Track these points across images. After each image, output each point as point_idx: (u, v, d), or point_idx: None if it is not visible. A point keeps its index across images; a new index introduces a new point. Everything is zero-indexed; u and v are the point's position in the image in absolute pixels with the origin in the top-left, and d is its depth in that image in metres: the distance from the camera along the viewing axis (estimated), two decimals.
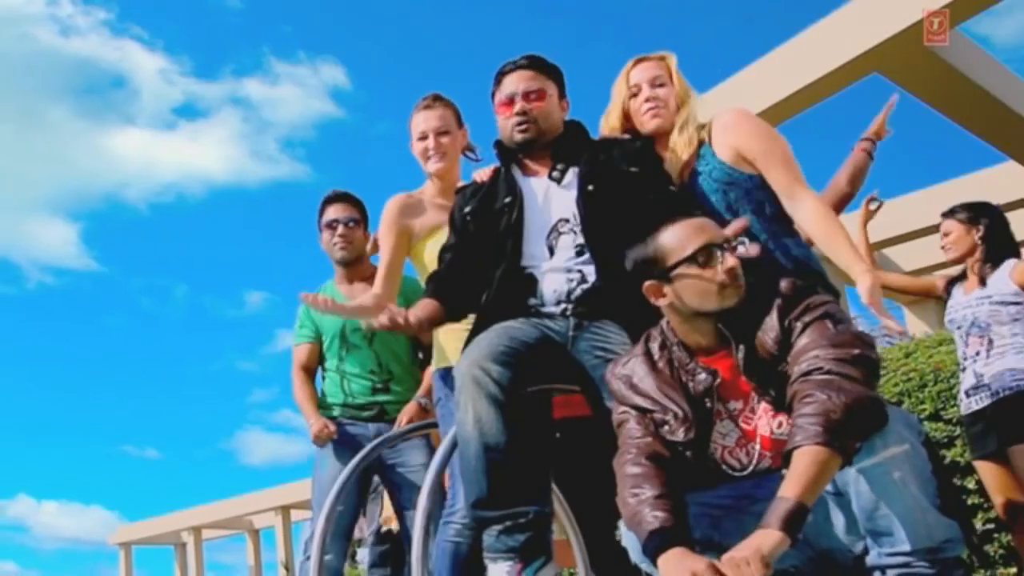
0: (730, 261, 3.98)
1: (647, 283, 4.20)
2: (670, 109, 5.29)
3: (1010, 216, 7.68)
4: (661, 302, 4.21)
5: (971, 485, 7.37)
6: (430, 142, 6.20)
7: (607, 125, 5.50)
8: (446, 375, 5.84)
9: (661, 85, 5.31)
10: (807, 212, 4.93)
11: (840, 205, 6.62)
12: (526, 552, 4.61)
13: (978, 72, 11.68)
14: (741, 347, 3.99)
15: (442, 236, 5.86)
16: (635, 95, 5.35)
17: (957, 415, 7.51)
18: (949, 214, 7.64)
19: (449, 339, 5.95)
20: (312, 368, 7.24)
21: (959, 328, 7.39)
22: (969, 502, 7.52)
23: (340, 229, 7.17)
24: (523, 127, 5.14)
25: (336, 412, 7.08)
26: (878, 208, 7.64)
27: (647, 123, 5.30)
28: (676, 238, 4.07)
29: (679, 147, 5.21)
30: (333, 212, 7.26)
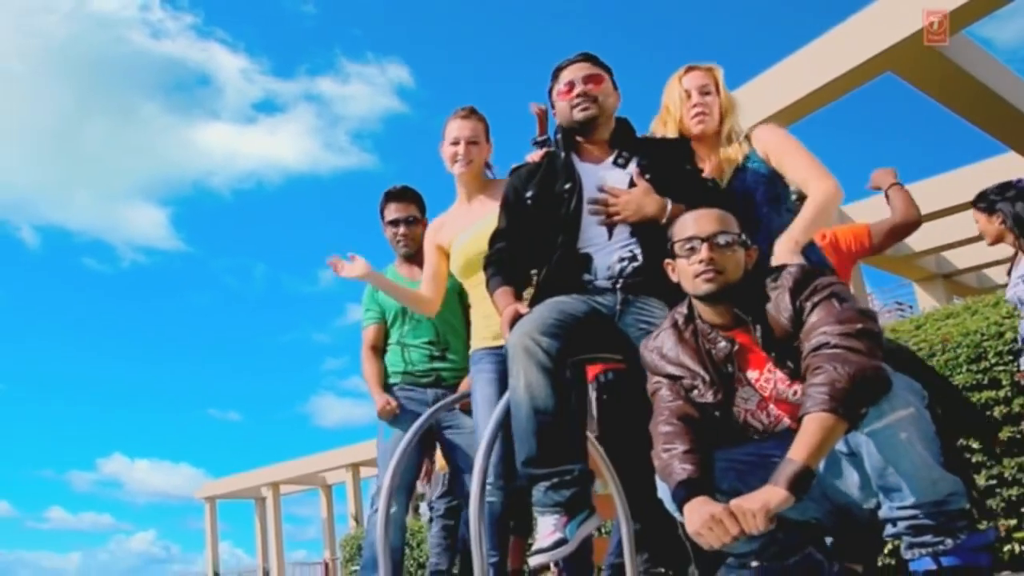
0: (703, 253, 4.05)
1: (666, 260, 4.34)
2: (714, 117, 5.39)
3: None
4: (673, 278, 4.35)
5: (975, 445, 7.35)
6: (460, 148, 6.26)
7: (661, 123, 5.56)
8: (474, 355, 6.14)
9: (707, 93, 5.40)
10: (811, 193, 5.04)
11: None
12: (571, 506, 4.67)
13: (982, 71, 11.69)
14: (757, 326, 4.03)
15: (462, 236, 6.16)
16: (687, 98, 5.41)
17: (963, 381, 7.49)
18: (973, 204, 7.61)
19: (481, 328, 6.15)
20: (379, 347, 7.29)
21: (1016, 307, 7.39)
22: (973, 460, 7.49)
23: (401, 228, 7.30)
24: (584, 106, 5.13)
25: (397, 379, 7.16)
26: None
27: (693, 127, 5.39)
28: (678, 226, 4.23)
29: (732, 153, 5.31)
30: (394, 211, 7.36)
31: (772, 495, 3.44)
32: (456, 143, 6.28)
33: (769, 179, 5.25)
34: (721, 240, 4.06)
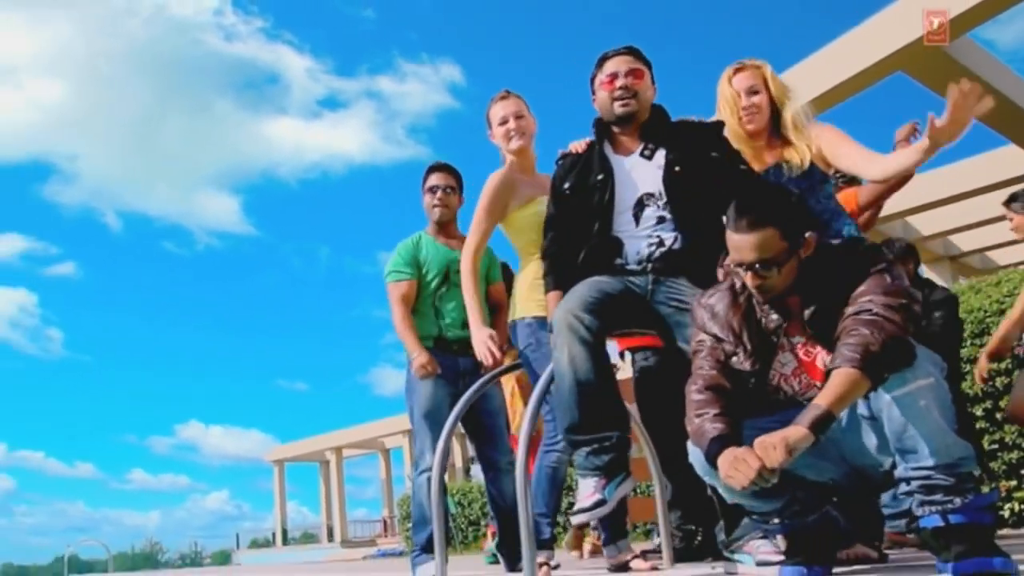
0: (749, 280, 3.98)
1: (722, 259, 4.29)
2: (764, 114, 5.36)
3: (1011, 190, 7.62)
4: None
5: (979, 412, 7.36)
6: (511, 124, 6.27)
7: (729, 125, 5.43)
8: (533, 324, 5.99)
9: (756, 92, 5.36)
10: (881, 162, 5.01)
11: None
12: (610, 470, 4.71)
13: (985, 71, 11.71)
14: (809, 303, 4.02)
15: (533, 207, 6.03)
16: (737, 98, 5.39)
17: (968, 354, 7.48)
18: (1008, 203, 7.58)
19: (532, 294, 6.01)
20: (412, 303, 7.15)
21: None
22: (977, 426, 7.48)
23: (439, 194, 7.23)
24: (624, 101, 5.10)
25: (429, 344, 7.04)
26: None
27: (745, 126, 5.36)
28: (730, 242, 4.04)
29: (801, 152, 5.25)
30: (435, 179, 7.32)
31: (793, 431, 3.50)
32: (506, 122, 6.30)
33: (807, 171, 5.22)
34: (760, 268, 3.97)
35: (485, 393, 6.70)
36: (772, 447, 3.48)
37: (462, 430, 7.13)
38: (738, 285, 4.24)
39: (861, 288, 3.81)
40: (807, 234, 4.00)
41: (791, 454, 3.46)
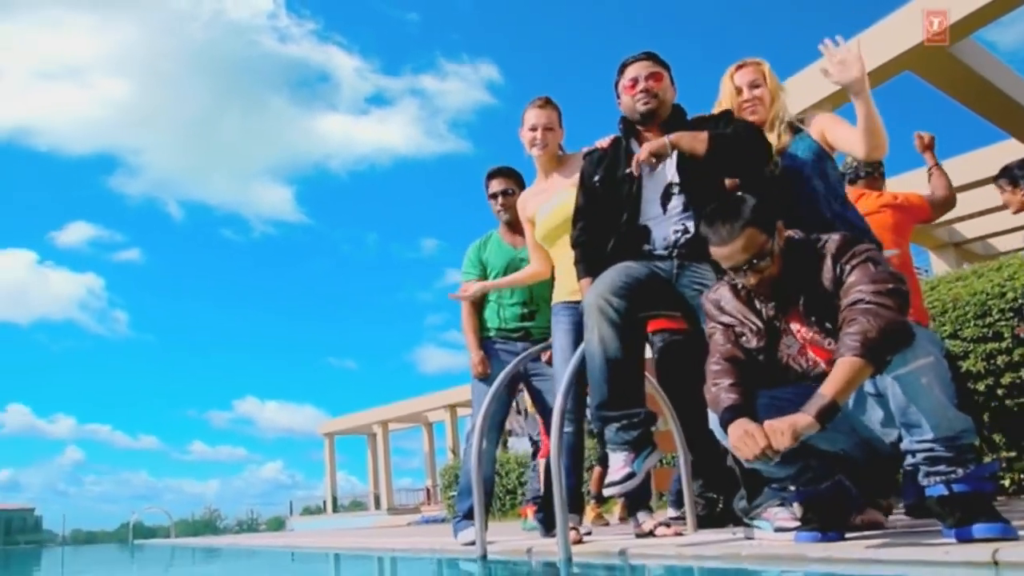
0: (750, 279, 4.11)
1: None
2: (765, 105, 5.37)
3: None
4: None
5: (981, 388, 7.35)
6: (538, 134, 6.39)
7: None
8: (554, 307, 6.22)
9: (757, 87, 5.39)
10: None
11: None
12: (638, 444, 4.77)
13: (987, 70, 11.70)
14: (801, 294, 4.08)
15: (544, 208, 6.23)
16: (738, 94, 5.41)
17: (971, 334, 7.48)
18: (996, 179, 7.65)
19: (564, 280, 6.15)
20: (478, 302, 7.30)
21: None
22: (979, 400, 7.48)
23: (500, 199, 7.31)
24: (646, 101, 5.15)
25: (492, 333, 7.19)
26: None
27: (748, 118, 5.33)
28: (715, 254, 4.20)
29: (773, 140, 5.21)
30: (495, 185, 7.39)
31: (800, 419, 3.56)
32: (534, 129, 6.40)
33: (817, 157, 5.21)
34: (755, 263, 4.05)
35: (541, 372, 6.92)
36: (780, 432, 3.56)
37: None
38: (738, 283, 4.31)
39: (850, 280, 3.87)
40: (778, 223, 4.15)
41: (796, 440, 3.52)
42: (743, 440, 3.67)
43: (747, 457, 3.66)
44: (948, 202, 7.49)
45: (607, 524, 10.18)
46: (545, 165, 6.50)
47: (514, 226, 7.31)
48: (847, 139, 5.12)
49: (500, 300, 7.25)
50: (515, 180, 7.42)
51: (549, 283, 6.95)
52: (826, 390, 3.58)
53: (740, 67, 5.48)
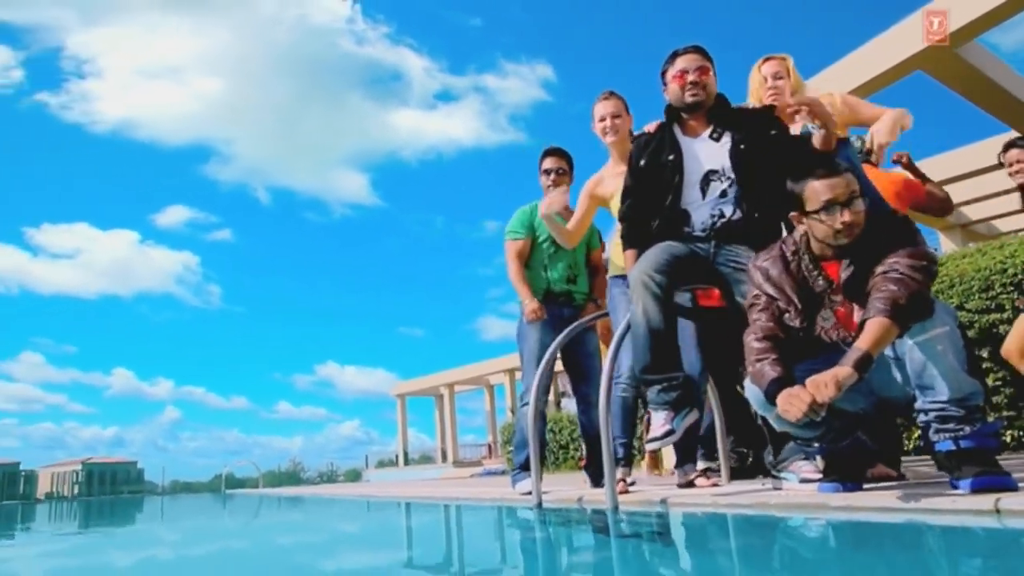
0: (846, 216, 3.98)
1: (792, 213, 4.25)
2: (785, 95, 5.42)
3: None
4: (799, 228, 4.26)
5: (984, 355, 7.34)
6: (608, 123, 6.46)
7: (750, 100, 5.62)
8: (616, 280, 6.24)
9: (780, 78, 5.49)
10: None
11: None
12: (677, 404, 4.77)
13: (991, 69, 11.67)
14: (850, 264, 4.05)
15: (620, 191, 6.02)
16: (764, 83, 5.54)
17: (975, 306, 7.48)
18: (1005, 151, 7.56)
19: (615, 259, 6.28)
20: (525, 259, 7.31)
21: None
22: (984, 366, 7.47)
23: (552, 176, 7.30)
24: (694, 92, 5.10)
25: (539, 296, 7.17)
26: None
27: (769, 103, 5.41)
28: (814, 190, 4.09)
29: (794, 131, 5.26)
30: (548, 163, 7.39)
31: (841, 371, 3.54)
32: (603, 119, 6.50)
33: (841, 144, 5.23)
34: (855, 204, 4.00)
35: (582, 338, 6.99)
36: (824, 384, 3.52)
37: (560, 369, 7.27)
38: (788, 252, 4.27)
39: (891, 257, 3.84)
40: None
41: (839, 389, 3.49)
42: (789, 401, 3.64)
43: (795, 417, 3.60)
44: (946, 205, 7.59)
45: (659, 474, 10.15)
46: (618, 149, 6.51)
47: None
48: (872, 112, 5.34)
49: (547, 263, 7.28)
50: (566, 160, 7.45)
51: (585, 258, 7.31)
52: (860, 344, 3.60)
53: (767, 60, 5.57)
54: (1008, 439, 7.60)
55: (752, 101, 5.48)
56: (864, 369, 3.56)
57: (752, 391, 4.12)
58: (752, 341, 4.14)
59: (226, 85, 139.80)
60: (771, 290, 4.24)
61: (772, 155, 4.94)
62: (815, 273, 4.15)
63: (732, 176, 5.01)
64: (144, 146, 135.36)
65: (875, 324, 3.61)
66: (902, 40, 11.20)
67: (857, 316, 3.97)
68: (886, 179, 7.06)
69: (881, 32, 11.62)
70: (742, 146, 4.99)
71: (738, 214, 4.97)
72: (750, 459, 6.23)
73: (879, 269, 3.82)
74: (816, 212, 4.07)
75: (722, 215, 4.99)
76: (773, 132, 5.09)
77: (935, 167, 13.26)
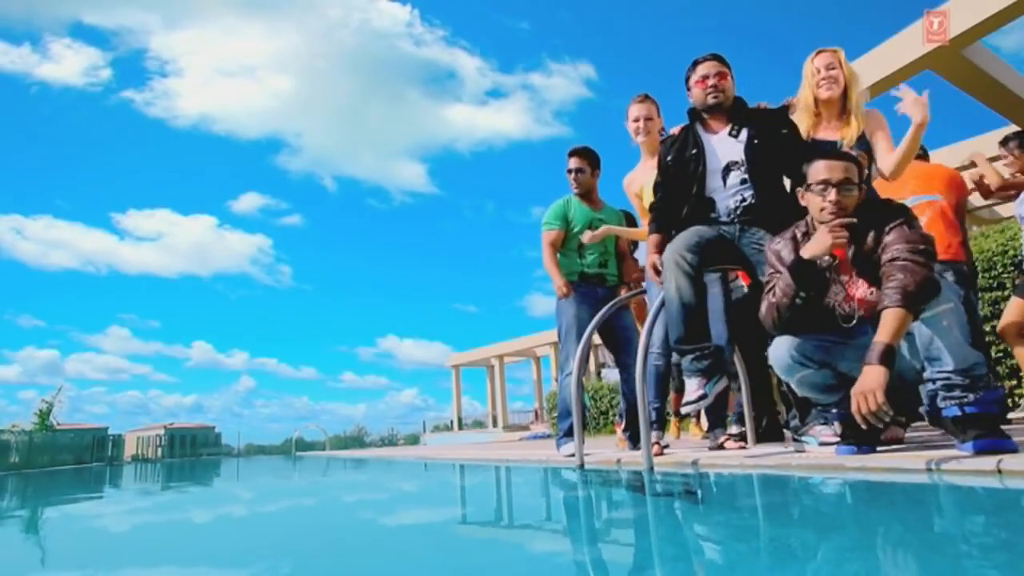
0: (832, 195, 4.10)
1: (799, 188, 4.35)
2: (839, 85, 5.40)
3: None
4: (803, 203, 4.34)
5: (988, 329, 7.33)
6: (640, 124, 6.62)
7: (802, 97, 5.55)
8: None
9: (832, 68, 5.42)
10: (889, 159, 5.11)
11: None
12: (708, 371, 4.85)
13: (993, 69, 11.57)
14: (852, 245, 4.11)
15: (648, 184, 6.16)
16: (816, 73, 5.47)
17: (981, 284, 7.51)
18: (1003, 143, 7.49)
19: None
20: (558, 248, 7.39)
21: (1020, 222, 7.32)
22: (987, 340, 7.45)
23: (573, 175, 7.49)
24: (715, 96, 5.23)
25: (575, 278, 7.29)
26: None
27: (822, 94, 5.41)
28: (815, 168, 4.21)
29: (854, 131, 5.31)
30: (571, 163, 7.54)
31: (876, 375, 3.53)
32: (636, 120, 6.62)
33: (859, 141, 5.28)
34: (845, 188, 4.10)
35: (619, 314, 7.08)
36: (866, 396, 3.50)
37: (599, 341, 7.32)
38: (799, 234, 4.35)
39: (888, 238, 3.90)
40: (864, 187, 4.20)
41: (882, 389, 3.49)
42: (861, 402, 3.55)
43: (867, 414, 3.52)
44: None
45: (679, 438, 10.22)
46: (648, 148, 6.67)
47: (585, 196, 7.51)
48: (883, 152, 5.21)
49: (580, 249, 7.35)
50: (588, 160, 7.56)
51: (614, 239, 7.40)
52: (881, 337, 3.60)
53: (820, 52, 5.52)
54: (1010, 404, 7.61)
55: (804, 90, 5.47)
56: (890, 361, 3.56)
57: (772, 353, 4.21)
58: (768, 297, 4.32)
59: (296, 83, 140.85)
60: (783, 269, 4.31)
61: (782, 149, 5.05)
62: None
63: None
64: (221, 139, 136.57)
65: (890, 314, 3.63)
66: (911, 42, 11.14)
67: (862, 291, 4.08)
68: (943, 171, 7.05)
69: (893, 34, 11.56)
70: (756, 140, 5.08)
71: (756, 200, 5.04)
72: (764, 422, 6.23)
73: (884, 257, 3.87)
74: (812, 187, 4.21)
75: (743, 200, 5.06)
76: (784, 131, 5.18)
77: (943, 158, 13.20)
